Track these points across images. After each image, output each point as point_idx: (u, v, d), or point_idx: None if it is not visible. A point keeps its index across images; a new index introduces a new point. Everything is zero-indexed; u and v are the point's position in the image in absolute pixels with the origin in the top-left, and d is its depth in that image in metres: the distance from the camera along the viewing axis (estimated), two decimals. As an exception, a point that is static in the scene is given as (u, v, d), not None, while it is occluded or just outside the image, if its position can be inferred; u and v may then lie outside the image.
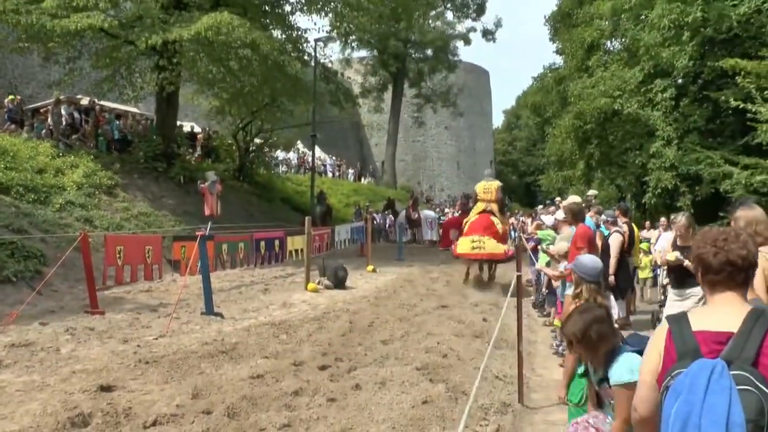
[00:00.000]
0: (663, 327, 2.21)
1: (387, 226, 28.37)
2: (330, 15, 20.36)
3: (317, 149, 31.17)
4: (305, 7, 20.27)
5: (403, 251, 20.24)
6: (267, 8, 20.06)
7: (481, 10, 46.51)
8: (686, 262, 6.93)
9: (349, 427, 4.80)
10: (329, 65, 26.72)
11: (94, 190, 15.24)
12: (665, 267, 9.04)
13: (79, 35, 16.04)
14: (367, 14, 19.98)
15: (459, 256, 14.25)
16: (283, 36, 20.13)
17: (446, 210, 35.72)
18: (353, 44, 41.80)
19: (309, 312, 10.03)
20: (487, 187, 14.24)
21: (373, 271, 15.78)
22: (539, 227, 13.34)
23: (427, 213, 28.78)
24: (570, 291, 5.27)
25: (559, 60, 33.83)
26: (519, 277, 6.12)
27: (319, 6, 19.93)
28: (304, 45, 21.12)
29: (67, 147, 17.34)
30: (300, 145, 36.73)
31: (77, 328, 8.18)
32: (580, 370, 3.88)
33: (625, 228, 10.34)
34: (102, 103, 21.13)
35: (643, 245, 13.03)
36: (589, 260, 4.96)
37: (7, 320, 8.28)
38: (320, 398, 5.44)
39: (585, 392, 4.03)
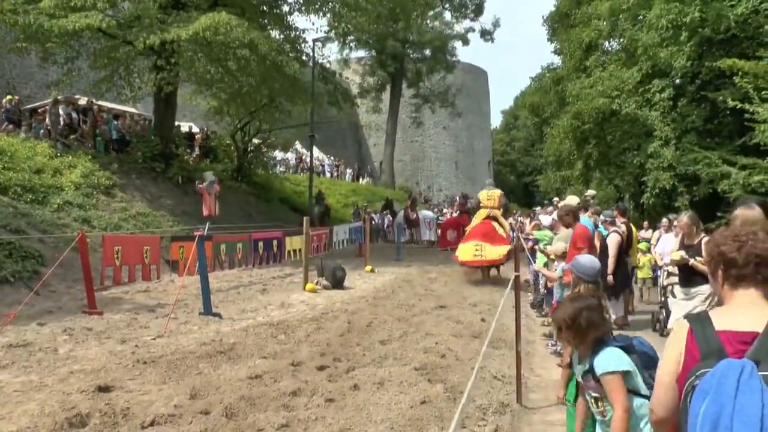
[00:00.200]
0: (683, 327, 2.15)
1: (385, 226, 28.37)
2: (328, 15, 20.36)
3: (315, 149, 31.17)
4: (303, 8, 20.27)
5: (401, 251, 20.25)
6: (265, 8, 20.05)
7: (479, 11, 46.56)
8: (691, 261, 6.95)
9: (348, 428, 4.80)
10: (327, 65, 26.68)
11: (92, 191, 15.23)
12: (666, 268, 9.06)
13: (77, 35, 16.03)
14: (365, 14, 19.98)
15: (462, 264, 14.81)
16: (282, 36, 20.13)
17: (444, 210, 35.72)
18: (351, 44, 41.83)
19: (307, 312, 10.03)
20: (491, 195, 15.19)
21: (372, 271, 15.78)
22: (537, 227, 13.36)
23: (426, 213, 28.77)
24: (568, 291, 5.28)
25: (557, 60, 33.82)
26: (517, 277, 6.12)
27: (317, 6, 19.92)
28: (303, 45, 21.15)
29: (65, 147, 17.33)
30: (298, 145, 36.77)
31: (75, 328, 8.17)
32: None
33: (624, 228, 10.36)
34: (100, 103, 21.11)
35: (642, 245, 13.04)
36: (588, 260, 4.97)
37: (5, 320, 8.27)
38: (318, 398, 5.44)
39: None
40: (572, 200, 10.81)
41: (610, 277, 8.67)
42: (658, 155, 19.83)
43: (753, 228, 4.00)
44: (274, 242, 15.71)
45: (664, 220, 12.50)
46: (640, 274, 12.89)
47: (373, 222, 25.13)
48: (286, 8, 20.63)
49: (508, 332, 7.95)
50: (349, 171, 45.55)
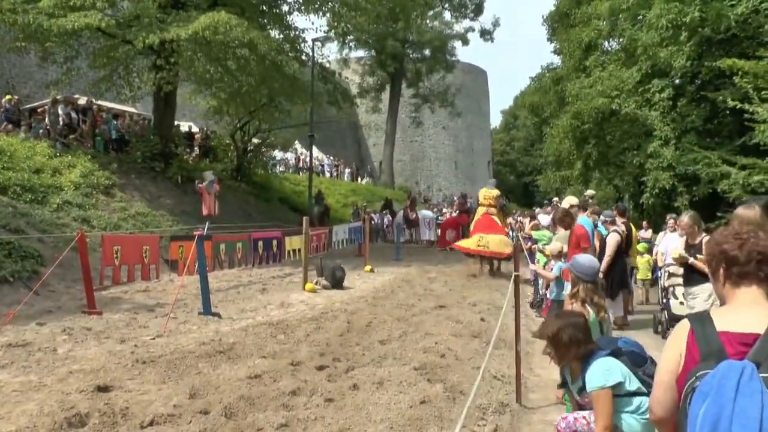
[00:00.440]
0: (684, 326, 2.14)
1: (385, 226, 28.36)
2: (328, 15, 20.36)
3: (315, 149, 31.17)
4: (303, 7, 20.27)
5: (400, 251, 20.24)
6: (264, 8, 20.04)
7: (478, 10, 46.59)
8: (690, 260, 6.97)
9: (347, 428, 4.80)
10: (327, 65, 26.68)
11: (92, 190, 15.23)
12: (666, 269, 9.07)
13: (77, 35, 16.01)
14: (364, 14, 19.98)
15: (460, 249, 15.81)
16: (281, 36, 20.12)
17: (444, 210, 35.72)
18: (351, 44, 41.86)
19: (307, 312, 10.02)
20: (487, 194, 15.99)
21: (371, 271, 15.78)
22: (536, 227, 13.37)
23: (425, 213, 28.78)
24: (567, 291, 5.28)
25: (557, 60, 33.83)
26: (517, 277, 6.12)
27: (316, 6, 19.92)
28: (302, 45, 21.14)
29: (65, 147, 17.32)
30: (298, 145, 36.76)
31: (74, 328, 8.17)
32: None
33: (623, 228, 10.37)
34: (99, 102, 21.09)
35: (640, 246, 13.02)
36: (586, 260, 4.98)
37: (4, 320, 8.26)
38: (318, 398, 5.43)
39: None
40: (571, 201, 10.81)
41: (600, 275, 8.67)
42: (657, 155, 19.83)
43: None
44: (274, 242, 15.70)
45: (671, 220, 12.43)
46: (639, 274, 12.88)
47: (373, 222, 25.12)
48: (285, 8, 20.65)
49: (508, 332, 7.95)
50: (347, 171, 45.54)
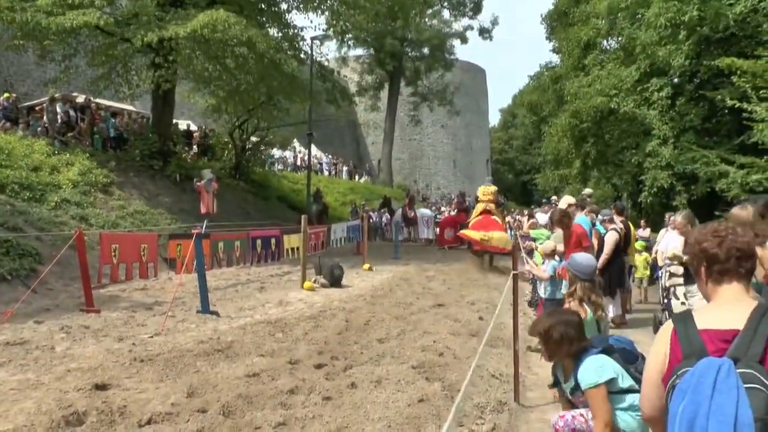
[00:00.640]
0: (668, 326, 2.18)
1: (383, 224, 28.36)
2: (326, 13, 20.35)
3: (313, 147, 31.14)
4: (301, 5, 20.24)
5: (399, 250, 20.24)
6: (263, 6, 20.02)
7: (477, 9, 46.58)
8: (685, 258, 6.97)
9: (345, 426, 4.80)
10: (326, 63, 26.68)
11: (90, 188, 15.21)
12: (667, 269, 9.07)
13: (75, 33, 15.98)
14: (363, 12, 19.96)
15: (463, 236, 16.70)
16: (280, 34, 20.10)
17: (443, 208, 35.72)
18: (350, 42, 41.85)
19: (305, 310, 10.02)
20: (486, 191, 16.86)
21: (370, 269, 15.77)
22: (533, 226, 13.38)
23: (424, 211, 28.77)
24: (563, 290, 5.28)
25: (555, 59, 33.92)
26: (515, 276, 6.12)
27: (315, 4, 19.90)
28: (301, 43, 21.12)
29: (63, 145, 17.30)
30: (296, 143, 36.73)
31: (72, 326, 8.16)
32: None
33: (622, 226, 10.37)
34: (98, 100, 21.07)
35: (638, 245, 13.02)
36: (584, 258, 4.98)
37: (2, 318, 8.26)
38: (316, 397, 5.43)
39: None
40: (568, 200, 10.81)
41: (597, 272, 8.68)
42: (656, 154, 19.87)
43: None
44: (272, 240, 15.72)
45: (673, 218, 12.42)
46: (637, 273, 12.88)
47: (371, 220, 25.12)
48: (284, 6, 20.63)
49: (506, 330, 7.95)
50: (344, 169, 45.52)
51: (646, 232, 16.36)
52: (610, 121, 23.16)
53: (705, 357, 1.98)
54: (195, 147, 24.61)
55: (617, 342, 3.52)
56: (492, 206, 16.52)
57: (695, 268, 2.28)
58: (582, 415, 3.51)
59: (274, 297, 11.32)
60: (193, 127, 26.84)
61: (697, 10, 17.82)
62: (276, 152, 32.89)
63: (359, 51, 46.72)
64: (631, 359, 3.37)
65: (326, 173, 40.76)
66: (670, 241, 10.75)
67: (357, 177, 46.70)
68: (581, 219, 8.99)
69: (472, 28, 47.59)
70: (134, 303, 10.27)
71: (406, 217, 26.79)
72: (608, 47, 26.89)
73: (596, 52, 25.76)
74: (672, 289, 8.73)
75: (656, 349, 2.19)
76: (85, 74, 19.07)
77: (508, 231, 17.89)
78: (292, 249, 16.12)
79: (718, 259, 2.17)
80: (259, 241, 15.17)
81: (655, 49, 19.47)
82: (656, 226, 17.34)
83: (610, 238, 9.79)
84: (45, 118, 18.64)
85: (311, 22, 48.74)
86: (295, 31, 20.30)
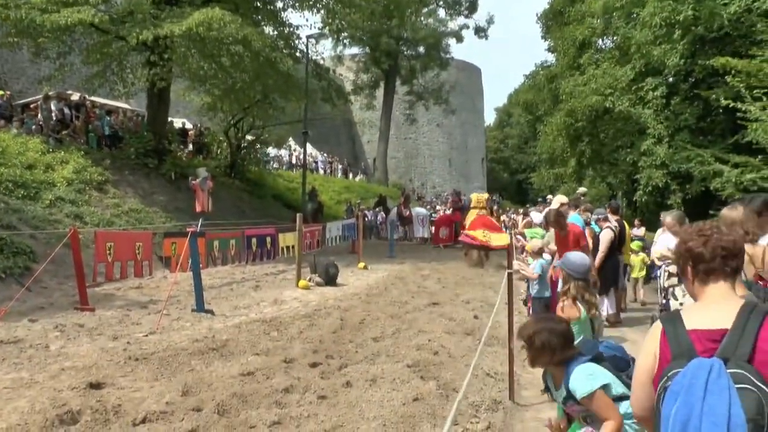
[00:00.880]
0: (657, 327, 2.18)
1: (378, 223, 28.36)
2: (322, 11, 20.34)
3: (309, 146, 31.11)
4: (297, 4, 20.23)
5: (394, 248, 20.24)
6: (259, 4, 20.01)
7: (473, 8, 46.53)
8: (672, 257, 6.99)
9: (340, 425, 4.80)
10: (321, 62, 26.63)
11: (85, 186, 15.18)
12: (666, 269, 9.08)
13: (70, 30, 15.93)
14: (359, 11, 19.97)
15: (467, 240, 16.40)
16: (275, 32, 20.09)
17: (438, 207, 35.73)
18: (345, 41, 41.76)
19: (300, 309, 10.02)
20: (479, 198, 17.65)
21: (365, 268, 15.78)
22: (528, 225, 13.40)
23: (419, 210, 28.77)
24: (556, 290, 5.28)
25: (551, 58, 33.90)
26: (510, 275, 6.13)
27: (311, 2, 19.89)
28: (296, 41, 21.12)
29: (57, 143, 17.25)
30: (292, 141, 36.69)
31: (67, 324, 8.14)
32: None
33: (616, 225, 10.39)
34: (93, 98, 21.02)
35: (634, 245, 13.04)
36: (577, 257, 4.99)
37: (-4, 317, 8.24)
38: (311, 395, 5.44)
39: None
40: (560, 199, 10.83)
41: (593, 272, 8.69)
42: (651, 153, 19.90)
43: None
44: (267, 239, 15.69)
45: (662, 218, 12.43)
46: (633, 273, 12.89)
47: (366, 219, 25.11)
48: (279, 4, 20.62)
49: (501, 329, 7.96)
50: (340, 167, 45.48)
51: (640, 231, 16.39)
52: (605, 120, 23.18)
53: (694, 357, 1.98)
54: (190, 145, 24.59)
55: (607, 349, 3.46)
56: (484, 211, 16.76)
57: (682, 268, 2.28)
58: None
59: (269, 295, 11.31)
60: (189, 126, 26.80)
61: (691, 9, 17.85)
62: (271, 151, 32.83)
63: (355, 49, 46.66)
64: (623, 366, 3.32)
65: (321, 172, 40.72)
66: (665, 242, 10.78)
67: (352, 176, 46.67)
68: (575, 218, 9.01)
69: (468, 27, 47.58)
70: (129, 301, 10.25)
71: (402, 216, 26.79)
72: (603, 46, 26.90)
73: (591, 51, 25.77)
74: (671, 289, 8.74)
75: (646, 349, 2.19)
76: (80, 72, 19.02)
77: (504, 230, 18.17)
78: (287, 247, 16.10)
79: (703, 258, 2.18)
80: (254, 240, 15.14)
81: (650, 48, 19.49)
82: (651, 225, 17.39)
83: (606, 236, 9.81)
84: (39, 115, 18.59)
85: (307, 20, 49.22)
86: (291, 29, 20.31)
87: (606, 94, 21.49)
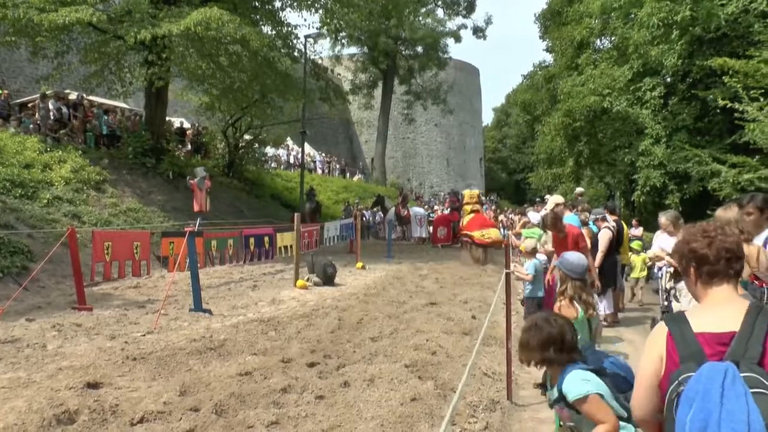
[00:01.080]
0: (661, 329, 2.14)
1: (376, 223, 28.35)
2: (320, 11, 20.34)
3: (307, 146, 31.10)
4: (295, 3, 20.22)
5: (392, 248, 20.24)
6: (257, 4, 19.99)
7: (471, 8, 46.57)
8: (666, 258, 6.98)
9: (338, 425, 4.80)
10: (319, 62, 26.64)
11: (82, 186, 15.17)
12: (668, 270, 9.08)
13: (68, 30, 15.93)
14: (357, 11, 19.97)
15: (466, 240, 17.48)
16: (273, 32, 20.08)
17: (435, 207, 35.73)
18: (343, 41, 41.80)
19: (298, 309, 10.01)
20: (471, 194, 18.59)
21: (363, 267, 15.77)
22: (525, 225, 13.40)
23: (417, 210, 28.76)
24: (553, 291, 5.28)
25: (549, 58, 33.97)
26: (508, 275, 6.13)
27: (309, 2, 19.88)
28: (294, 41, 21.09)
29: (55, 142, 17.24)
30: (290, 141, 36.66)
31: (64, 324, 8.13)
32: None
33: (614, 224, 10.40)
34: (90, 98, 20.99)
35: (634, 244, 13.05)
36: (575, 257, 4.98)
37: (-7, 316, 8.23)
38: (309, 395, 5.43)
39: None
40: (556, 200, 10.82)
41: (594, 271, 8.69)
42: (648, 153, 19.94)
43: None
44: (265, 238, 15.69)
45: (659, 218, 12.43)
46: (633, 273, 12.88)
47: (364, 219, 25.11)
48: (278, 4, 20.60)
49: (499, 329, 7.96)
50: (338, 167, 45.47)
51: (638, 231, 16.41)
52: (603, 120, 23.22)
53: (704, 361, 1.96)
54: (188, 145, 24.56)
55: (612, 366, 3.32)
56: (478, 206, 18.18)
57: (684, 268, 2.25)
58: None
59: (266, 295, 11.30)
60: (187, 125, 26.78)
61: (689, 10, 17.90)
62: (269, 150, 32.80)
63: (353, 49, 46.68)
64: (624, 388, 3.16)
65: (319, 171, 40.70)
66: (660, 242, 10.80)
67: (350, 175, 46.66)
68: (571, 218, 9.00)
69: (466, 27, 47.66)
70: (127, 301, 10.24)
71: (399, 216, 26.79)
72: (601, 47, 26.97)
73: (589, 51, 25.81)
74: (673, 291, 8.74)
75: (651, 351, 2.15)
76: (78, 71, 19.00)
77: (501, 230, 18.29)
78: (285, 247, 16.10)
79: (707, 260, 2.15)
80: (252, 240, 15.14)
81: (647, 48, 19.53)
82: (649, 225, 17.42)
83: (605, 236, 9.81)
84: (37, 114, 18.57)
85: (305, 20, 49.04)
86: (289, 29, 20.28)
87: (604, 94, 21.53)
